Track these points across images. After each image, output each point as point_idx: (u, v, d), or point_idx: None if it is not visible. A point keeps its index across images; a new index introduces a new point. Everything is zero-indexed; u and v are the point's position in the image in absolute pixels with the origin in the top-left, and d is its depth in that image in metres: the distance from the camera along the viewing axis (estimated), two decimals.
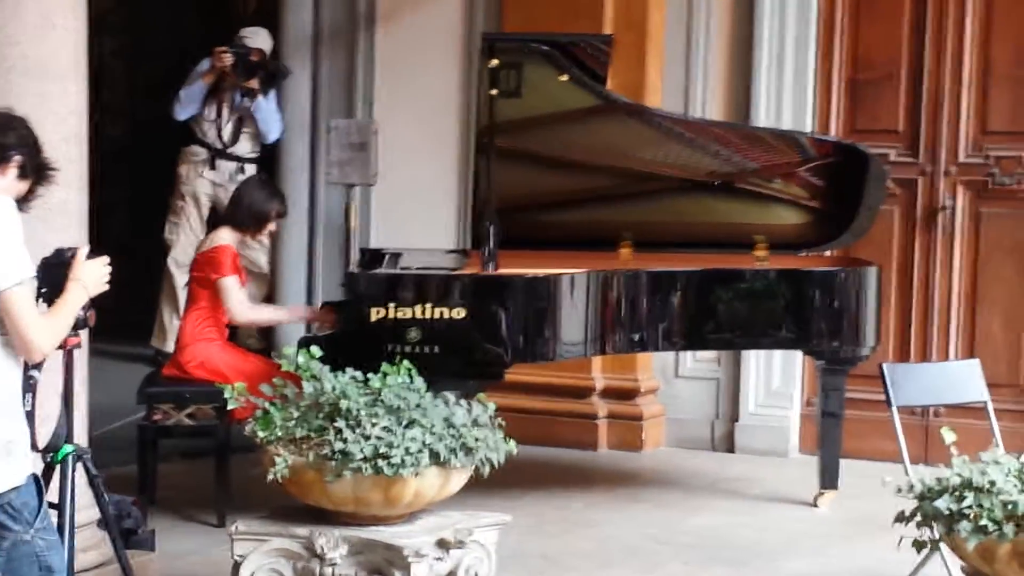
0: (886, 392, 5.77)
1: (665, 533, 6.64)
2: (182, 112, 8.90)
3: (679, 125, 7.23)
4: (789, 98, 8.06)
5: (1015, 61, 7.82)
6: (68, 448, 4.46)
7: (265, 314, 7.61)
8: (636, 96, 7.73)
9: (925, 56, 7.93)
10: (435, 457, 4.91)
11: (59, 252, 4.27)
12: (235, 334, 7.74)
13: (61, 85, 5.13)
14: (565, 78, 6.83)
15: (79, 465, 4.52)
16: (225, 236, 6.89)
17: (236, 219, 6.92)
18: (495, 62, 6.67)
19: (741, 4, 8.13)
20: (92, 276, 4.21)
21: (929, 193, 7.97)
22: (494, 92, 6.67)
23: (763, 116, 8.05)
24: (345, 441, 4.85)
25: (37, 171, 4.21)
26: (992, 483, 4.71)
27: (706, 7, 8.16)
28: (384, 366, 5.16)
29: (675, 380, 8.29)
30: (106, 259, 4.28)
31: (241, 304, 6.81)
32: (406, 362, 5.22)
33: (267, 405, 5.09)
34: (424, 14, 8.57)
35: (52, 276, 4.19)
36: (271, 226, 7.05)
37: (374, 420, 4.91)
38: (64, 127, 5.14)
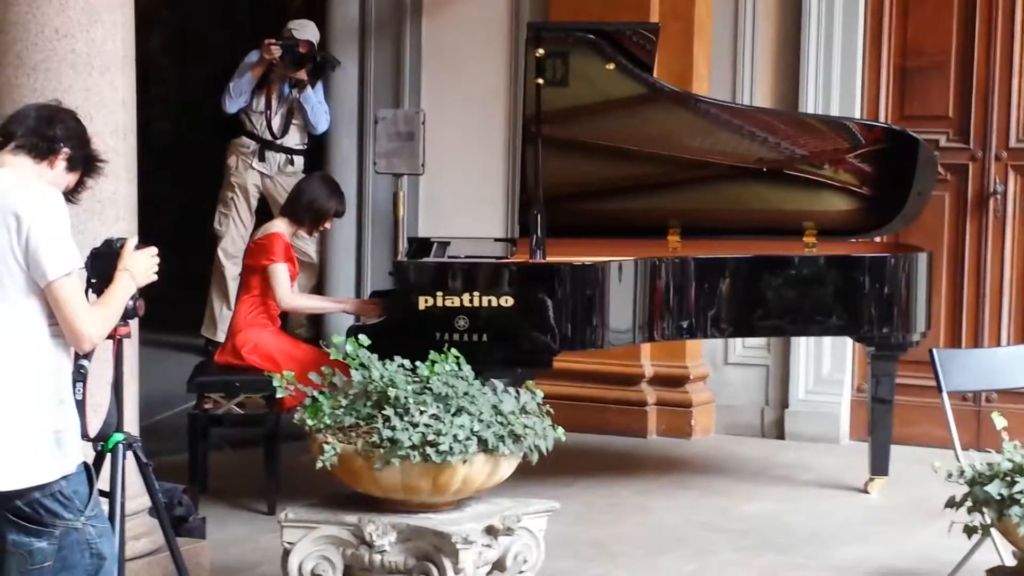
0: (936, 378, 5.74)
1: (715, 520, 6.63)
2: (232, 105, 8.94)
3: (727, 112, 7.22)
4: (837, 85, 8.02)
5: None
6: (118, 437, 4.48)
7: (311, 302, 7.71)
8: (683, 84, 7.71)
9: (975, 42, 7.87)
10: (483, 444, 4.92)
11: (108, 243, 4.31)
12: (285, 324, 7.79)
13: (109, 78, 5.16)
14: (612, 67, 6.83)
15: (129, 454, 4.54)
16: (279, 225, 6.97)
17: (294, 212, 6.98)
18: (541, 51, 6.66)
19: None
20: (140, 266, 4.25)
21: (980, 178, 7.92)
22: (540, 81, 6.67)
23: (811, 103, 8.02)
24: (393, 429, 4.86)
25: (86, 163, 4.24)
26: None
27: None
28: (432, 354, 5.17)
29: (724, 367, 8.28)
30: (154, 250, 4.31)
31: (289, 291, 6.86)
32: (454, 350, 5.23)
33: (316, 393, 5.11)
34: (470, 4, 8.58)
35: (101, 267, 4.23)
36: (327, 224, 7.11)
37: (422, 408, 4.92)
38: (112, 120, 5.17)
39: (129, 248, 4.25)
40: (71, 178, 4.22)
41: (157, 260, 4.31)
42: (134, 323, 4.56)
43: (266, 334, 6.79)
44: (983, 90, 7.88)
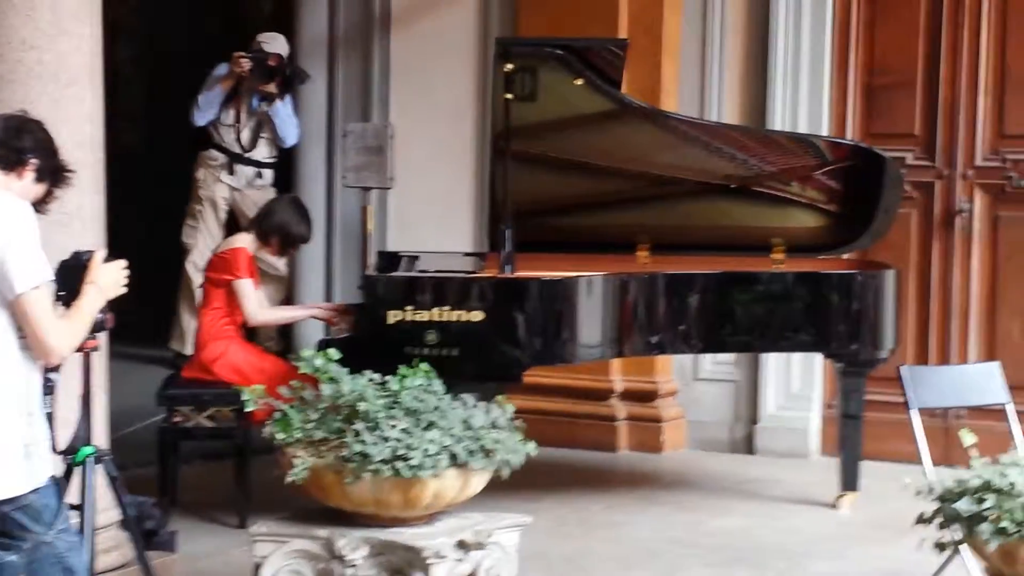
0: (905, 395, 5.75)
1: (686, 535, 6.63)
2: (201, 118, 8.91)
3: (695, 129, 7.23)
4: (805, 102, 8.04)
5: None
6: (87, 450, 4.46)
7: (280, 314, 7.70)
8: (652, 100, 7.72)
9: (941, 60, 7.91)
10: (454, 459, 4.91)
11: (76, 255, 4.29)
12: (253, 336, 7.76)
13: (76, 90, 5.14)
14: (580, 82, 6.84)
15: (99, 467, 4.52)
16: (244, 240, 6.93)
17: (262, 231, 6.95)
18: (510, 66, 6.67)
19: (756, 8, 8.12)
20: (109, 279, 4.23)
21: (946, 196, 7.95)
22: (509, 96, 6.67)
23: (779, 120, 8.04)
24: (364, 443, 4.84)
25: (54, 174, 4.22)
26: (1012, 485, 4.70)
27: (721, 11, 8.15)
28: (402, 368, 5.16)
29: (694, 382, 8.28)
30: (123, 263, 4.30)
31: (257, 306, 6.84)
32: (424, 364, 5.21)
33: (285, 407, 5.09)
34: (439, 18, 8.58)
35: (69, 279, 4.21)
36: (292, 250, 7.12)
37: (392, 422, 4.91)
38: (80, 132, 5.14)
39: (97, 261, 4.23)
40: (39, 189, 4.20)
41: (126, 273, 4.29)
42: (103, 336, 4.54)
43: (234, 347, 6.76)
44: (949, 108, 7.91)
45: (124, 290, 4.29)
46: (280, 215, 6.99)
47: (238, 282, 6.76)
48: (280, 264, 8.97)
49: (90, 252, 4.29)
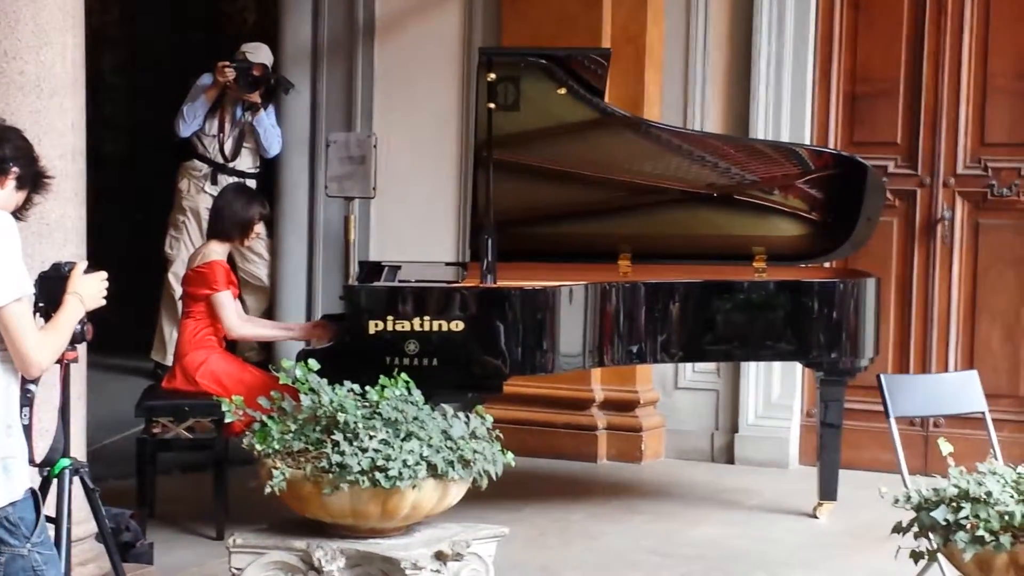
0: (884, 403, 5.77)
1: (664, 545, 6.64)
2: (186, 129, 8.91)
3: (677, 138, 7.24)
4: (787, 111, 8.06)
5: (1013, 73, 7.83)
6: (65, 462, 4.46)
7: (260, 331, 7.41)
8: (635, 109, 7.74)
9: (923, 69, 7.93)
10: (432, 470, 4.92)
11: (56, 267, 4.28)
12: (234, 346, 7.74)
13: (58, 101, 5.14)
14: (563, 91, 6.85)
15: (76, 479, 4.52)
16: (216, 250, 6.87)
17: (222, 231, 6.92)
18: (493, 76, 6.68)
19: (739, 18, 8.14)
20: (89, 290, 4.22)
21: (928, 204, 7.97)
22: (492, 105, 6.68)
23: (761, 129, 8.06)
24: (342, 454, 4.85)
25: (34, 181, 4.22)
26: (988, 494, 4.71)
27: (704, 21, 8.17)
28: (382, 379, 5.17)
29: (675, 391, 8.29)
30: (103, 274, 4.29)
31: (237, 319, 6.81)
32: (404, 375, 5.23)
33: (264, 418, 5.09)
34: (422, 28, 8.59)
35: (49, 291, 4.20)
36: (257, 229, 7.06)
37: (371, 433, 4.92)
38: (62, 142, 5.15)
39: (78, 272, 4.23)
40: (19, 196, 4.19)
41: (106, 284, 4.28)
42: (82, 347, 4.54)
43: (215, 357, 6.75)
44: (931, 117, 7.94)
45: (104, 302, 4.28)
46: (227, 209, 6.94)
47: (216, 296, 6.73)
48: (263, 275, 8.98)
49: (71, 263, 4.28)
